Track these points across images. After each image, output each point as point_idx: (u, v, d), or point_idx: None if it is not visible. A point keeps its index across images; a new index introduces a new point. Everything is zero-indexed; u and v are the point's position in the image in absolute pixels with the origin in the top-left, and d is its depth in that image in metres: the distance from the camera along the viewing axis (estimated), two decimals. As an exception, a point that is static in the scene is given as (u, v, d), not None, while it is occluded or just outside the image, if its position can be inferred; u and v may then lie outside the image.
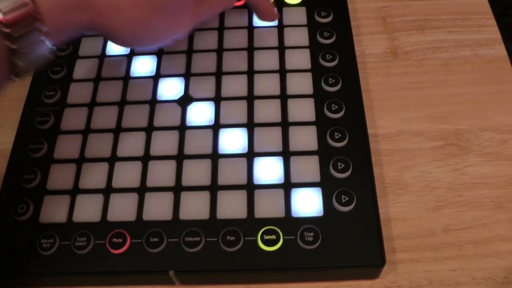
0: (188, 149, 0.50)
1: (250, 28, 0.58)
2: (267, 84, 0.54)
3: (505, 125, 0.54)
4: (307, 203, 0.47)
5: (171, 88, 0.54)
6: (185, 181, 0.49)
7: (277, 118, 0.51)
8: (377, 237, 0.45)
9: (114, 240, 0.46)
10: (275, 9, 0.58)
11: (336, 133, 0.50)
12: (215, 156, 0.50)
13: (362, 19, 0.63)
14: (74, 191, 0.49)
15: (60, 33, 0.42)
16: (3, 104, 0.58)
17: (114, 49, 0.58)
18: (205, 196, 0.48)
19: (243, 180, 0.48)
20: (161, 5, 0.45)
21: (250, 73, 0.55)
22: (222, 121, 0.52)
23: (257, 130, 0.51)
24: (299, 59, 0.55)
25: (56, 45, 0.41)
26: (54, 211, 0.49)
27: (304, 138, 0.50)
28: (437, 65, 0.58)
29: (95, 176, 0.50)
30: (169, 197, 0.48)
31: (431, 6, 0.64)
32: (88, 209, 0.48)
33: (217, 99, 0.53)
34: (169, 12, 0.46)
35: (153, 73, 0.56)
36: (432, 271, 0.47)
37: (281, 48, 0.56)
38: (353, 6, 0.63)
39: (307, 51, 0.56)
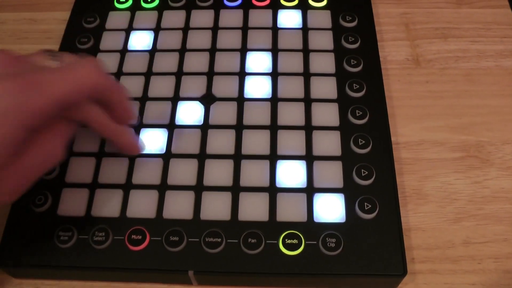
0: (211, 149, 0.50)
1: (275, 28, 0.58)
2: (291, 87, 0.53)
3: (527, 139, 0.54)
4: (330, 208, 0.47)
5: (194, 87, 0.54)
6: (207, 181, 0.48)
7: (301, 121, 0.51)
8: (399, 247, 0.45)
9: (133, 236, 0.46)
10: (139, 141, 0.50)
11: (360, 139, 0.50)
12: (238, 157, 0.49)
13: (384, 24, 0.63)
14: (93, 185, 0.49)
15: None
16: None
17: (135, 44, 0.57)
18: (227, 197, 0.47)
19: (265, 183, 0.48)
20: None
21: (274, 74, 0.54)
22: (246, 122, 0.51)
23: (280, 133, 0.50)
24: (324, 63, 0.55)
25: None
26: (73, 204, 0.48)
27: (328, 143, 0.50)
28: (459, 75, 0.58)
29: (115, 171, 0.49)
30: (190, 196, 0.48)
31: (453, 14, 0.64)
32: (107, 204, 0.48)
33: (240, 100, 0.53)
34: None
35: (175, 70, 0.55)
36: (451, 283, 0.46)
37: (306, 51, 0.56)
38: (376, 11, 0.63)
39: (332, 55, 0.56)
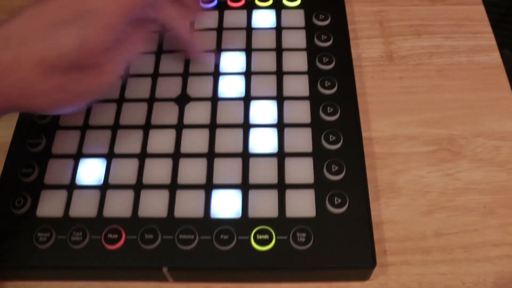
0: (185, 148, 0.51)
1: (249, 29, 0.59)
2: (264, 85, 0.54)
3: (498, 131, 0.54)
4: (301, 204, 0.48)
5: (170, 88, 0.55)
6: (181, 179, 0.49)
7: (273, 119, 0.52)
8: (368, 240, 0.46)
9: (110, 236, 0.47)
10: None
11: (330, 136, 0.51)
12: (211, 155, 0.50)
13: (359, 22, 0.63)
14: (71, 186, 0.50)
15: None
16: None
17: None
18: (200, 194, 0.48)
19: (238, 179, 0.49)
20: (69, 66, 0.42)
21: (248, 74, 0.55)
22: (219, 121, 0.52)
23: (253, 131, 0.51)
24: (296, 61, 0.56)
25: None
26: (51, 205, 0.49)
27: (299, 139, 0.51)
28: (433, 71, 0.59)
29: (92, 172, 0.50)
30: (164, 194, 0.49)
31: (427, 12, 0.65)
32: (84, 205, 0.49)
33: (214, 99, 0.54)
34: (81, 69, 0.43)
35: (151, 71, 0.56)
36: (423, 274, 0.47)
37: (279, 50, 0.57)
38: (351, 9, 0.64)
39: (304, 53, 0.56)
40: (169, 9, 0.51)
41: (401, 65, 0.60)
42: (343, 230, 0.46)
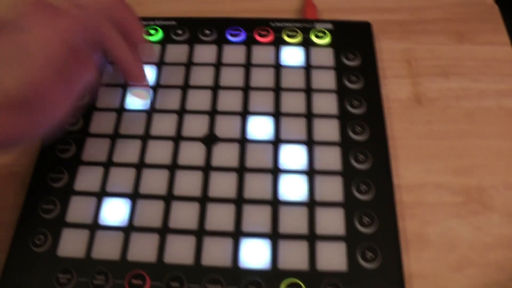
0: (213, 192, 0.50)
1: (277, 66, 0.58)
2: (293, 128, 0.53)
3: (529, 183, 0.54)
4: (332, 256, 0.47)
5: (196, 126, 0.54)
6: (208, 226, 0.48)
7: (303, 164, 0.51)
8: (401, 297, 0.45)
9: (134, 281, 0.46)
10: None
11: (362, 186, 0.50)
12: (239, 202, 0.49)
13: (386, 60, 0.62)
14: (94, 226, 0.49)
15: None
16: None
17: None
18: (228, 242, 0.47)
19: (267, 228, 0.48)
20: (17, 104, 0.40)
21: (276, 114, 0.54)
22: (248, 164, 0.51)
23: (282, 177, 0.50)
24: (326, 103, 0.55)
25: None
26: (73, 245, 0.48)
27: (330, 188, 0.50)
28: (461, 115, 0.58)
29: (116, 212, 0.49)
30: (191, 240, 0.47)
31: (455, 51, 0.64)
32: (107, 246, 0.48)
33: (243, 141, 0.52)
34: (29, 107, 0.41)
35: (178, 108, 0.56)
36: (452, 332, 0.46)
37: (308, 91, 0.56)
38: (378, 46, 0.63)
39: (334, 95, 0.55)
40: (112, 37, 0.48)
41: (429, 107, 0.59)
42: (375, 285, 0.45)
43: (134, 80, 0.52)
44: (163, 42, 0.60)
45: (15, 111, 0.40)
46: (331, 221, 0.48)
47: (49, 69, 0.41)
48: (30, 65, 0.40)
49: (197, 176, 0.51)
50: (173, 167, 0.51)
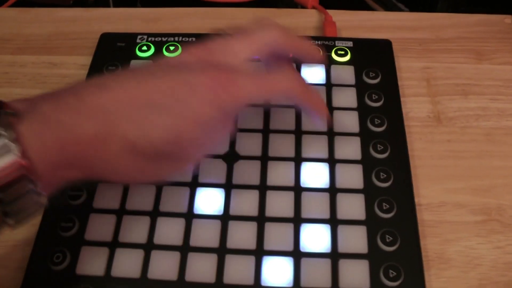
0: (234, 210, 0.50)
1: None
2: (315, 146, 0.53)
3: (549, 204, 0.53)
4: (354, 275, 0.46)
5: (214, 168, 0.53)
6: (230, 243, 0.48)
7: (325, 183, 0.51)
8: (423, 317, 0.45)
9: (155, 299, 0.45)
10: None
11: (384, 204, 0.49)
12: (261, 220, 0.49)
13: (405, 79, 0.62)
14: (114, 244, 0.48)
15: (50, 187, 0.39)
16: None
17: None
18: (250, 260, 0.47)
19: (289, 247, 0.48)
20: (157, 155, 0.41)
21: (298, 132, 0.54)
22: (269, 182, 0.51)
23: (304, 195, 0.50)
24: (348, 121, 0.55)
25: (45, 197, 0.38)
26: (92, 263, 0.47)
27: (352, 206, 0.50)
28: (480, 134, 0.58)
29: (136, 229, 0.49)
30: (212, 258, 0.47)
31: (474, 70, 0.64)
32: (127, 264, 0.47)
33: (264, 158, 0.53)
34: (167, 158, 0.42)
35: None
36: None
37: (329, 108, 0.56)
38: (397, 65, 0.63)
39: (355, 113, 0.55)
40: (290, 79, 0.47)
41: (448, 127, 0.59)
42: (398, 305, 0.45)
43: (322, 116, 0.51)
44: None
45: (152, 160, 0.40)
46: (354, 239, 0.48)
47: (198, 127, 0.41)
48: (182, 119, 0.40)
49: (218, 193, 0.51)
50: (194, 184, 0.51)
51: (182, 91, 0.40)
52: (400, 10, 0.81)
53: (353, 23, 0.68)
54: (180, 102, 0.40)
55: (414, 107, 0.60)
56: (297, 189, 0.51)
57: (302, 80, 0.49)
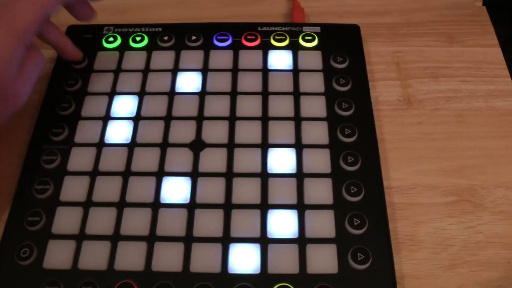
0: (200, 198, 0.49)
1: (265, 70, 0.57)
2: (282, 132, 0.53)
3: (519, 182, 0.53)
4: (322, 259, 0.46)
5: (183, 132, 0.53)
6: (197, 232, 0.47)
7: (292, 168, 0.51)
8: (392, 299, 0.44)
9: (122, 290, 0.45)
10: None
11: (351, 187, 0.49)
12: (228, 207, 0.48)
13: (375, 63, 0.62)
14: (81, 237, 0.48)
15: None
16: (8, 137, 0.56)
17: (124, 87, 0.57)
18: (217, 248, 0.47)
19: (256, 234, 0.47)
20: None
21: (265, 119, 0.54)
22: (236, 169, 0.50)
23: (271, 181, 0.50)
24: (315, 106, 0.54)
25: None
26: (59, 256, 0.47)
27: (319, 191, 0.49)
28: (451, 116, 0.58)
29: (102, 222, 0.48)
30: (179, 247, 0.47)
31: (444, 53, 0.63)
32: (94, 256, 0.47)
33: (230, 146, 0.52)
34: None
35: (164, 114, 0.55)
36: (446, 332, 0.46)
37: (296, 94, 0.55)
38: (366, 49, 0.62)
39: (323, 98, 0.55)
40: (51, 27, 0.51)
41: (419, 109, 0.58)
42: (367, 287, 0.45)
43: (72, 58, 0.55)
44: (149, 49, 0.60)
45: None
46: (321, 224, 0.48)
47: (10, 67, 0.45)
48: None
49: (184, 182, 0.50)
50: (160, 173, 0.51)
51: None
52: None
53: (322, 9, 0.68)
54: None
55: (384, 91, 0.60)
56: (264, 175, 0.50)
57: None
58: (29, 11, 0.46)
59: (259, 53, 0.59)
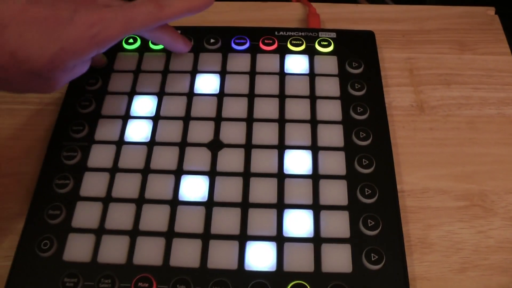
0: (218, 196, 0.50)
1: (282, 74, 0.58)
2: (298, 134, 0.54)
3: (529, 188, 0.54)
4: (337, 258, 0.47)
5: (202, 132, 0.55)
6: (214, 229, 0.48)
7: (308, 170, 0.52)
8: (405, 299, 0.45)
9: (140, 284, 0.46)
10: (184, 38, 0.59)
11: (366, 189, 0.50)
12: (245, 206, 0.50)
13: (389, 69, 0.63)
14: (100, 231, 0.49)
15: None
16: (29, 134, 0.57)
17: (143, 88, 0.58)
18: (234, 245, 0.48)
19: (272, 232, 0.48)
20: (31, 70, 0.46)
21: (282, 121, 0.55)
22: (253, 169, 0.52)
23: (287, 181, 0.51)
24: (330, 110, 0.56)
25: None
26: (79, 249, 0.48)
27: (335, 192, 0.50)
28: (463, 122, 0.59)
29: (121, 217, 0.49)
30: (197, 244, 0.48)
31: (456, 61, 0.65)
32: (113, 250, 0.48)
33: (248, 147, 0.53)
34: (38, 75, 0.46)
35: (183, 115, 0.56)
36: (457, 335, 0.46)
37: (312, 98, 0.56)
38: (380, 55, 0.64)
39: (338, 102, 0.56)
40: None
41: (431, 115, 0.59)
42: (380, 287, 0.46)
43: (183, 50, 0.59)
44: (168, 51, 0.61)
45: (27, 73, 0.45)
46: (336, 224, 0.49)
47: (74, 62, 0.47)
48: (60, 45, 0.45)
49: (203, 180, 0.51)
50: (179, 172, 0.52)
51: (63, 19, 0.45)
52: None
53: (337, 16, 0.69)
54: (57, 26, 0.45)
55: (397, 97, 0.61)
56: (280, 176, 0.51)
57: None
58: (117, 27, 0.48)
59: (276, 57, 0.60)
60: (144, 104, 0.57)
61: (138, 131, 0.54)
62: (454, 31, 0.68)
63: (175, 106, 0.56)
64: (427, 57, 0.65)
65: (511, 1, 0.74)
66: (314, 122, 0.55)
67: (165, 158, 0.53)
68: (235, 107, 0.56)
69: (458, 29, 0.68)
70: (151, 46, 0.61)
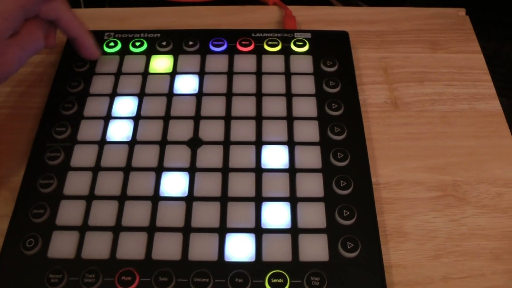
0: (198, 192, 0.52)
1: (259, 73, 0.60)
2: (275, 130, 0.56)
3: (501, 178, 0.56)
4: (314, 248, 0.48)
5: (181, 131, 0.56)
6: (195, 223, 0.50)
7: (285, 164, 0.53)
8: (380, 284, 0.47)
9: (123, 278, 0.47)
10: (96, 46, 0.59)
11: (341, 181, 0.52)
12: (224, 200, 0.51)
13: (364, 68, 0.65)
14: (83, 228, 0.50)
15: None
16: (12, 137, 0.58)
17: (124, 88, 0.59)
18: (214, 238, 0.49)
19: (251, 224, 0.50)
20: None
21: (259, 118, 0.56)
22: (232, 165, 0.53)
23: (265, 175, 0.52)
24: (306, 106, 0.57)
25: None
26: (63, 246, 0.49)
27: (311, 184, 0.52)
28: (436, 117, 0.61)
29: (104, 213, 0.51)
30: (178, 237, 0.49)
31: (429, 59, 0.66)
32: (97, 246, 0.49)
33: (226, 143, 0.55)
34: None
35: (163, 114, 0.58)
36: (432, 319, 0.48)
37: (288, 95, 0.58)
38: (356, 55, 0.65)
39: (314, 99, 0.58)
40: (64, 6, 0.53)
41: (405, 111, 0.61)
42: (356, 274, 0.47)
43: (88, 52, 0.58)
44: (148, 53, 0.63)
45: None
46: (313, 215, 0.50)
47: (4, 27, 0.47)
48: None
49: (183, 177, 0.53)
50: (160, 169, 0.53)
51: None
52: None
53: (313, 17, 0.71)
54: None
55: (372, 94, 0.63)
56: (258, 171, 0.53)
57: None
58: None
59: (253, 57, 0.62)
60: (125, 105, 0.58)
61: (119, 131, 0.56)
62: (427, 31, 0.70)
63: (155, 106, 0.58)
64: (401, 56, 0.67)
65: (480, 4, 0.77)
66: (290, 119, 0.56)
67: (146, 156, 0.54)
68: (214, 106, 0.57)
69: (430, 29, 0.70)
70: (131, 49, 0.63)
